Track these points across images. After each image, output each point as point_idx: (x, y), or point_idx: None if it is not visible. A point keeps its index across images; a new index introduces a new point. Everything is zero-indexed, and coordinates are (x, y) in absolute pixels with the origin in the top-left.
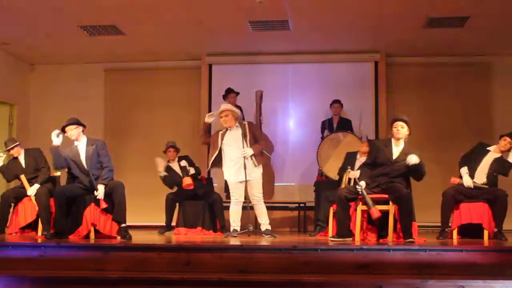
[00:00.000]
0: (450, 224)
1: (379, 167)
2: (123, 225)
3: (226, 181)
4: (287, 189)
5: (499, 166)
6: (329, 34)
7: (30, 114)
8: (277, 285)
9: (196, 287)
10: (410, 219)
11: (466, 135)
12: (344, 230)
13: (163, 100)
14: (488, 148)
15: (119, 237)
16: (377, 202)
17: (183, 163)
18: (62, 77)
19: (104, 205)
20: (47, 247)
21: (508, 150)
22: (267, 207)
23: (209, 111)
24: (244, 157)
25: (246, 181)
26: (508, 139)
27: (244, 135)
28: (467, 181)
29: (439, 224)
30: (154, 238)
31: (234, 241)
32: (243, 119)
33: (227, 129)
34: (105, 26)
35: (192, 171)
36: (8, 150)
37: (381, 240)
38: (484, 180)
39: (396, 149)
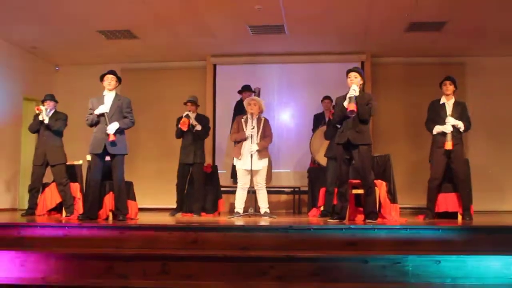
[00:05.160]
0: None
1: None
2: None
3: (233, 168)
4: (283, 175)
5: (459, 107)
6: (320, 37)
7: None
8: (275, 260)
9: (203, 262)
10: (374, 202)
11: None
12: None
13: (172, 96)
14: (440, 100)
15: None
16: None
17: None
18: (83, 77)
19: (112, 138)
20: (70, 227)
21: (453, 93)
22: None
23: (214, 106)
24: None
25: (252, 170)
26: (447, 82)
27: (258, 128)
28: (445, 128)
29: (418, 206)
30: (165, 219)
31: (236, 222)
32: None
33: (247, 117)
34: (121, 31)
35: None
36: (42, 102)
37: (367, 221)
38: (456, 122)
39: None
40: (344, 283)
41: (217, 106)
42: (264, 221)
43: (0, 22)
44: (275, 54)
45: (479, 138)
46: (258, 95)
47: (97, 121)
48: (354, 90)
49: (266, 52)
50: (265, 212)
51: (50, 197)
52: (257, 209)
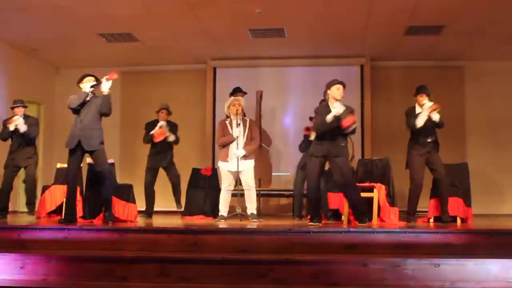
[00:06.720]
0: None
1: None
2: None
3: None
4: (283, 179)
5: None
6: (320, 41)
7: (56, 113)
8: (274, 263)
9: (202, 265)
10: (359, 205)
11: (442, 131)
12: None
13: (173, 99)
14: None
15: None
16: (361, 189)
17: (163, 124)
18: None
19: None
20: (70, 230)
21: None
22: (265, 194)
23: (214, 109)
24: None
25: (238, 171)
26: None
27: (243, 131)
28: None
29: (417, 209)
30: (165, 221)
31: (235, 225)
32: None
33: (231, 119)
34: (122, 34)
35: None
36: (13, 108)
37: (359, 224)
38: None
39: (335, 105)
40: (343, 286)
41: (217, 109)
42: (263, 224)
43: (1, 24)
44: (275, 57)
45: (478, 142)
46: (260, 98)
47: (76, 111)
48: (338, 107)
49: (266, 55)
50: (252, 214)
51: (50, 199)
52: (244, 209)
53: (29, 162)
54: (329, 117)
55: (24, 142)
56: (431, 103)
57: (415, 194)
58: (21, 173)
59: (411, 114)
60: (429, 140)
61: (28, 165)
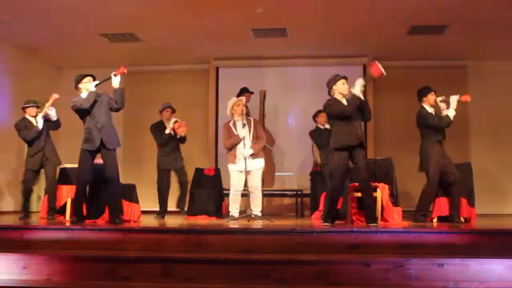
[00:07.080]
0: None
1: (342, 121)
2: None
3: None
4: (286, 178)
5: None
6: (322, 40)
7: (58, 113)
8: (277, 263)
9: (205, 265)
10: (372, 206)
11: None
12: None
13: (175, 99)
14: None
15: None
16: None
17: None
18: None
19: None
20: (74, 230)
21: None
22: (268, 194)
23: (217, 108)
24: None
25: (247, 171)
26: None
27: (249, 131)
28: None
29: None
30: (168, 221)
31: (239, 225)
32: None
33: (234, 121)
34: (124, 34)
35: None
36: (24, 108)
37: (371, 225)
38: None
39: (344, 100)
40: (346, 286)
41: (219, 109)
42: (266, 224)
43: (2, 25)
44: (277, 57)
45: (482, 141)
46: (264, 98)
47: (87, 112)
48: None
49: (269, 55)
50: (256, 216)
51: None
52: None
53: (55, 161)
54: (357, 90)
55: (49, 136)
56: (457, 96)
57: (431, 196)
58: None
59: (427, 114)
60: (444, 137)
61: (51, 165)
